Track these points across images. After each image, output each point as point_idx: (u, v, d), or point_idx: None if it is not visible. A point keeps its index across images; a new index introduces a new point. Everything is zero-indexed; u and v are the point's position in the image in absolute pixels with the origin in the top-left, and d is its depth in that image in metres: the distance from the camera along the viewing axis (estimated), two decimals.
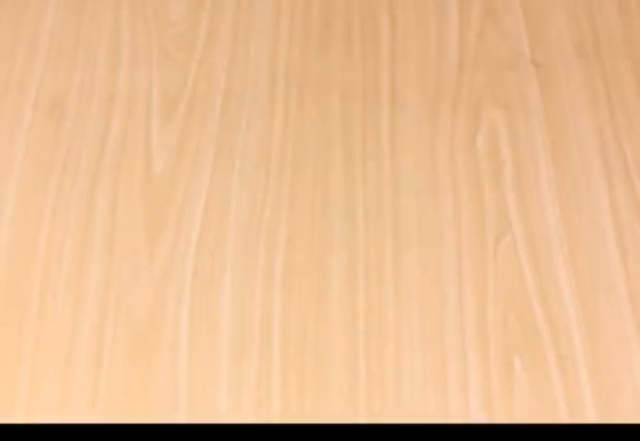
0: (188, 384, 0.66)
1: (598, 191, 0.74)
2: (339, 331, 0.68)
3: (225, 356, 0.67)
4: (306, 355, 0.67)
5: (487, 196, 0.73)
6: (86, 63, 0.82)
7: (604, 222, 0.72)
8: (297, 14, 0.84)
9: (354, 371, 0.67)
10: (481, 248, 0.71)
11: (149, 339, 0.68)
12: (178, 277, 0.70)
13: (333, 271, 0.70)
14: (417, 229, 0.72)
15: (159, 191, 0.74)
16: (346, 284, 0.70)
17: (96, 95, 0.80)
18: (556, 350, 0.67)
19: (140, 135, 0.77)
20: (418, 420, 0.65)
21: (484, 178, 0.75)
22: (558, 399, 0.65)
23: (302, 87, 0.80)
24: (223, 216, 0.73)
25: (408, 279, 0.70)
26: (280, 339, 0.68)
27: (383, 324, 0.68)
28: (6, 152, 0.77)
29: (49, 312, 0.69)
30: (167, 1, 0.86)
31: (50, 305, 0.69)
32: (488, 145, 0.75)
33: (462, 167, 0.75)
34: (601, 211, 0.73)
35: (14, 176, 0.76)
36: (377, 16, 0.84)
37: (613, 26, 0.82)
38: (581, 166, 0.75)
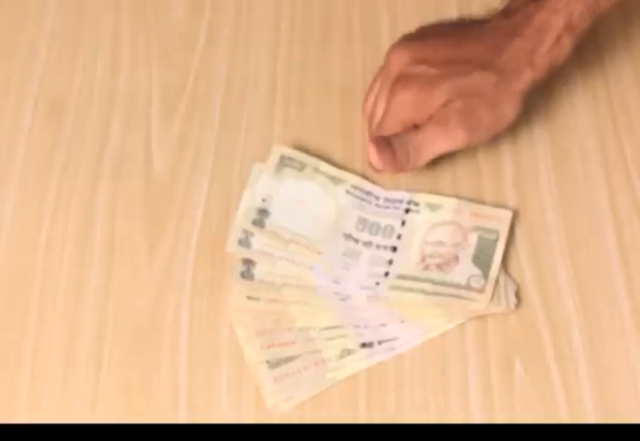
0: (188, 384, 0.66)
1: (598, 191, 0.74)
2: None
3: (225, 357, 0.67)
4: None
5: (487, 196, 0.73)
6: (86, 64, 0.82)
7: (604, 222, 0.72)
8: (297, 14, 0.84)
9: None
10: None
11: (149, 339, 0.68)
12: (179, 278, 0.70)
13: None
14: None
15: (159, 191, 0.75)
16: None
17: (96, 95, 0.80)
18: (556, 350, 0.67)
19: (140, 136, 0.77)
20: (418, 420, 0.65)
21: (484, 178, 0.75)
22: (558, 399, 0.65)
23: (302, 87, 0.80)
24: (224, 216, 0.73)
25: None
26: None
27: None
28: (6, 153, 0.77)
29: (49, 313, 0.69)
30: (168, 2, 0.86)
31: (50, 306, 0.69)
32: (488, 145, 0.75)
33: (462, 167, 0.75)
34: (601, 211, 0.73)
35: (14, 177, 0.76)
36: (377, 16, 0.84)
37: (613, 25, 0.82)
38: (581, 166, 0.75)
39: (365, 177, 0.74)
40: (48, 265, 0.71)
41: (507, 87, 0.70)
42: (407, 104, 0.71)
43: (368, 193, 0.73)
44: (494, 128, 0.71)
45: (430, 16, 0.77)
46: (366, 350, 0.67)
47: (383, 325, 0.68)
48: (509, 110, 0.70)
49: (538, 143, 0.76)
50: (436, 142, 0.70)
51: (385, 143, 0.70)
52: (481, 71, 0.70)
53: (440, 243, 0.71)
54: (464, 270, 0.69)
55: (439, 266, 0.70)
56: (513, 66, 0.70)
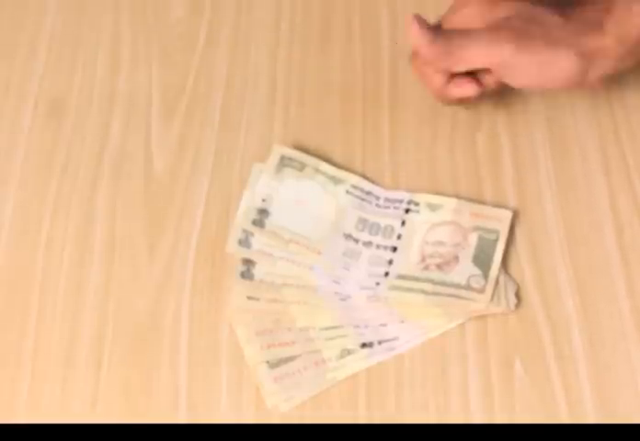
0: (188, 384, 0.66)
1: (598, 190, 0.74)
2: None
3: (225, 357, 0.67)
4: None
5: (487, 196, 0.73)
6: (86, 64, 0.82)
7: (604, 221, 0.72)
8: (297, 14, 0.84)
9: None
10: None
11: (149, 339, 0.68)
12: (179, 278, 0.70)
13: None
14: None
15: (159, 191, 0.75)
16: None
17: (96, 95, 0.80)
18: (556, 350, 0.67)
19: (140, 136, 0.77)
20: (418, 420, 0.65)
21: (484, 178, 0.75)
22: (558, 399, 0.65)
23: (301, 87, 0.80)
24: (224, 216, 0.73)
25: None
26: None
27: None
28: (6, 153, 0.77)
29: (49, 313, 0.69)
30: (168, 2, 0.86)
31: (50, 306, 0.69)
32: (488, 145, 0.75)
33: (462, 167, 0.75)
34: (601, 210, 0.73)
35: (14, 177, 0.76)
36: (377, 16, 0.84)
37: None
38: (581, 165, 0.75)
39: (365, 177, 0.74)
40: (48, 265, 0.71)
41: (571, 37, 0.67)
42: (469, 16, 0.69)
43: (368, 193, 0.73)
44: (543, 68, 0.68)
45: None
46: (366, 350, 0.67)
47: (383, 325, 0.68)
48: (566, 59, 0.67)
49: (538, 143, 0.76)
50: (481, 46, 0.68)
51: (428, 25, 0.68)
52: (552, 13, 0.68)
53: (440, 243, 0.71)
54: (464, 270, 0.69)
55: (439, 266, 0.70)
56: (582, 23, 0.68)
